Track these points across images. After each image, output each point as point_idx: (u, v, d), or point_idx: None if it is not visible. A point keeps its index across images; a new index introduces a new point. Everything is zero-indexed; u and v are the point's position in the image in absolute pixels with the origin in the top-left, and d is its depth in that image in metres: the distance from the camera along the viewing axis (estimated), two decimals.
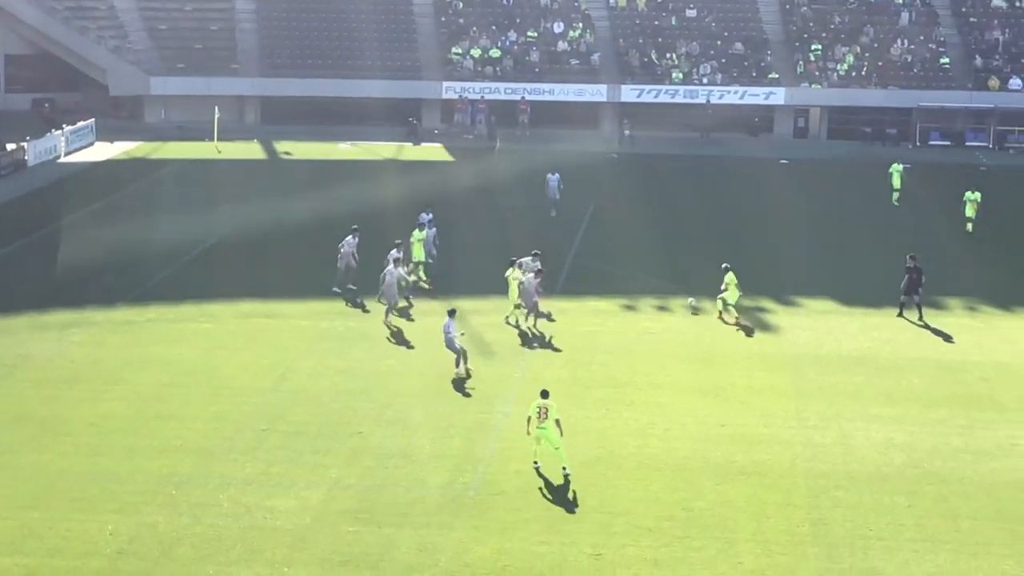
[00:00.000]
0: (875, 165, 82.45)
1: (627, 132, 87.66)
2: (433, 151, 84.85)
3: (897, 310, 50.61)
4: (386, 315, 48.49)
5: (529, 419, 35.05)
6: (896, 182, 70.82)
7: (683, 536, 32.54)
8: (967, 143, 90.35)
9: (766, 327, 49.49)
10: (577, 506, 33.91)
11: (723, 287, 49.36)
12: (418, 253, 54.10)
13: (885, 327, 49.95)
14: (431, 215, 58.39)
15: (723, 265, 49.98)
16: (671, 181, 75.50)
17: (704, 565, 31.13)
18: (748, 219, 67.32)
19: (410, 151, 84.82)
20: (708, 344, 47.43)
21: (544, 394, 35.41)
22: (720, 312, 49.63)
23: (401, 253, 50.92)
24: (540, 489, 34.63)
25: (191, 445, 37.36)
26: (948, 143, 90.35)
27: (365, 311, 50.17)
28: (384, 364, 44.68)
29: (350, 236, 53.60)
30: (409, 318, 49.30)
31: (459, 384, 42.14)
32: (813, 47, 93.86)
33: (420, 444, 37.85)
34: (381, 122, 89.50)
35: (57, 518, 32.70)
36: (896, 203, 70.26)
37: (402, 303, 49.86)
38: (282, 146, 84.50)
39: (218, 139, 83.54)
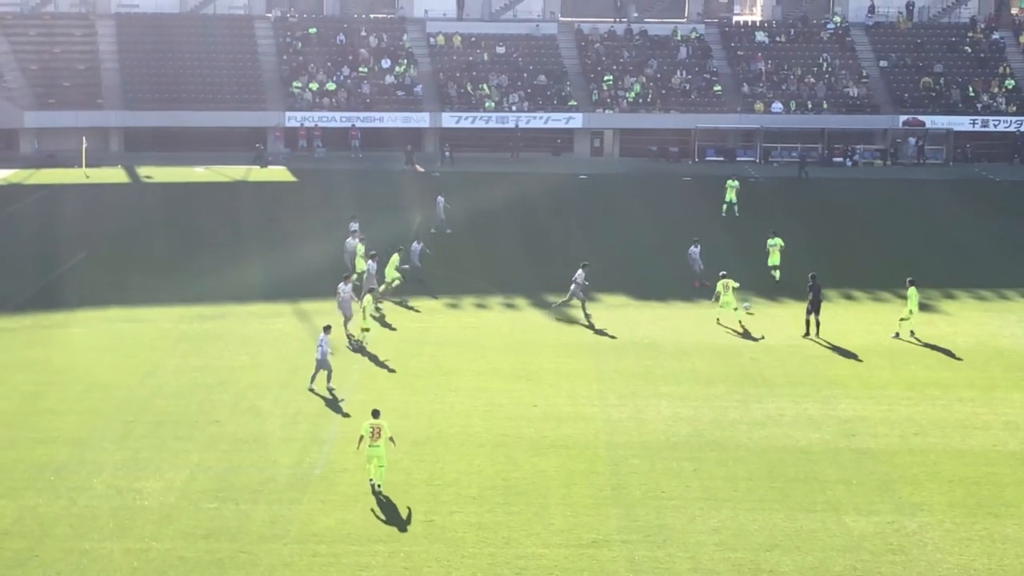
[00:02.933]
0: (660, 178, 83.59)
1: (447, 154, 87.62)
2: (278, 173, 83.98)
3: (803, 330, 47.96)
4: (345, 326, 46.77)
5: (362, 438, 32.91)
6: (731, 195, 71.03)
7: (503, 502, 32.67)
8: (738, 158, 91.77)
9: (570, 319, 49.82)
10: (408, 481, 33.90)
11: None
12: (390, 273, 52.09)
13: (670, 318, 50.60)
14: (357, 225, 57.79)
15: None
16: (486, 195, 75.54)
17: (521, 526, 31.29)
18: (552, 226, 67.67)
19: (258, 173, 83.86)
20: (520, 335, 47.62)
21: (375, 414, 33.35)
22: None
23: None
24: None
25: (66, 436, 36.63)
26: (722, 158, 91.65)
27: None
28: (237, 360, 44.16)
29: (350, 237, 54.43)
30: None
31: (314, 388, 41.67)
32: (606, 78, 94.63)
33: (271, 430, 37.53)
34: (231, 148, 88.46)
35: None
36: (725, 214, 70.36)
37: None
38: (144, 171, 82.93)
39: (86, 166, 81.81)
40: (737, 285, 49.55)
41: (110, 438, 36.58)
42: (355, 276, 51.12)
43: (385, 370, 43.15)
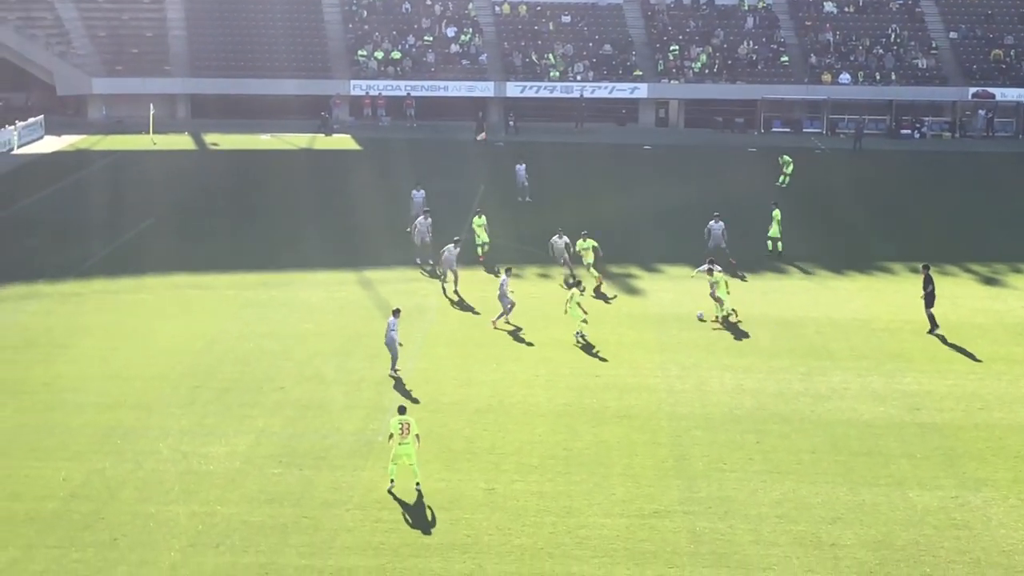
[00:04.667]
0: (725, 148, 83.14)
1: (512, 123, 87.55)
2: (343, 141, 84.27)
3: (928, 327, 45.04)
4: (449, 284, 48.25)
5: (391, 435, 31.30)
6: (787, 169, 70.60)
7: (564, 472, 32.71)
8: (804, 129, 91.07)
9: (633, 291, 49.74)
10: (471, 449, 34.02)
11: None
12: (481, 236, 52.97)
13: (735, 289, 50.18)
14: (423, 191, 58.11)
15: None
16: (551, 165, 75.47)
17: (582, 496, 31.33)
18: (617, 196, 67.50)
19: (323, 141, 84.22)
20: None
21: (402, 410, 31.85)
22: None
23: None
24: (438, 434, 34.66)
25: (133, 401, 37.03)
26: (788, 130, 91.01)
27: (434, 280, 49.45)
28: (302, 327, 44.42)
29: (421, 217, 53.25)
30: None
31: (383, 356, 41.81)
32: (672, 48, 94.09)
33: (335, 396, 37.74)
34: (297, 116, 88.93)
35: (16, 466, 32.34)
36: (782, 184, 69.82)
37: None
38: (210, 138, 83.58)
39: (153, 132, 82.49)
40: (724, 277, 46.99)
41: (176, 403, 36.95)
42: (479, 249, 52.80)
43: (447, 339, 43.27)
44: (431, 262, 51.44)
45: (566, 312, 43.57)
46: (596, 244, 49.69)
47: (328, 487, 31.51)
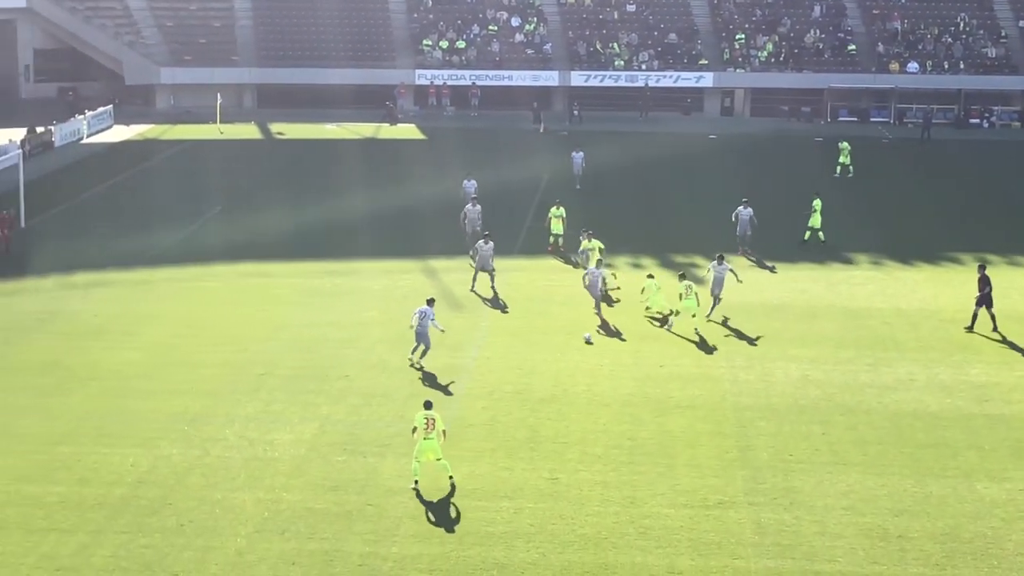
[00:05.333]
0: (791, 138, 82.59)
1: (576, 112, 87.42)
2: (408, 131, 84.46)
3: (970, 322, 43.70)
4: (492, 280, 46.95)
5: (415, 429, 30.90)
6: (844, 158, 69.83)
7: (628, 462, 32.61)
8: (871, 119, 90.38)
9: (697, 281, 49.44)
10: (535, 439, 33.98)
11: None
12: (556, 227, 52.54)
13: (800, 279, 50.05)
14: (474, 182, 58.26)
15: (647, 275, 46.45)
16: (614, 153, 75.24)
17: (646, 486, 31.22)
18: (678, 186, 67.21)
19: (388, 130, 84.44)
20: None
21: (427, 405, 31.26)
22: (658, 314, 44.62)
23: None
24: (502, 423, 34.65)
25: (200, 388, 37.27)
26: (855, 119, 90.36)
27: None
28: (367, 316, 44.57)
29: (470, 204, 52.99)
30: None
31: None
32: (737, 36, 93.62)
33: (399, 385, 37.81)
34: (362, 105, 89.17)
35: (85, 452, 32.62)
36: (838, 175, 69.21)
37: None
38: (276, 127, 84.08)
39: (220, 122, 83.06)
40: (659, 286, 45.06)
41: (242, 390, 37.16)
42: (552, 239, 52.37)
43: (510, 328, 43.26)
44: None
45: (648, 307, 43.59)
46: (602, 245, 48.71)
47: (392, 475, 31.57)
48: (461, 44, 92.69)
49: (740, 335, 42.85)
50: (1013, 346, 42.26)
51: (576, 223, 52.32)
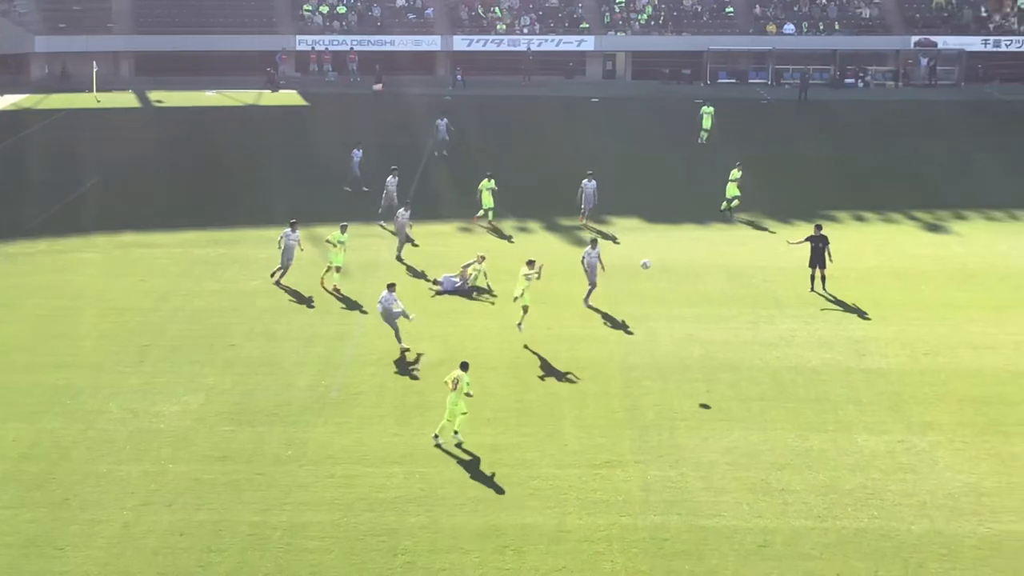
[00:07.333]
0: (672, 100, 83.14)
1: (459, 77, 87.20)
2: (289, 97, 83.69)
3: (809, 284, 44.14)
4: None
5: (446, 383, 31.59)
6: (706, 123, 69.51)
7: (517, 424, 32.78)
8: (750, 80, 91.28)
9: (581, 242, 49.69)
10: (424, 403, 34.01)
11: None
12: (487, 200, 51.55)
13: (683, 240, 50.52)
14: (360, 151, 57.67)
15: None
16: (500, 118, 75.27)
17: (535, 447, 31.41)
18: (567, 150, 67.39)
19: (269, 97, 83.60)
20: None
21: (463, 366, 31.70)
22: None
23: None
24: (391, 389, 34.63)
25: (83, 360, 36.78)
26: (734, 80, 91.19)
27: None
28: (251, 285, 44.22)
29: (390, 176, 52.16)
30: None
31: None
32: (618, 0, 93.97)
33: (286, 353, 37.63)
34: (242, 72, 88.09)
35: None
36: (702, 142, 68.82)
37: None
38: (155, 95, 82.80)
39: (97, 90, 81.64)
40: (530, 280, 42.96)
41: (126, 362, 36.73)
42: (481, 213, 51.61)
43: (403, 295, 43.16)
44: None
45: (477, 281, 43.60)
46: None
47: (281, 443, 31.45)
48: (342, 9, 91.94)
49: (625, 296, 43.15)
50: (889, 301, 43.04)
51: (441, 191, 52.14)
